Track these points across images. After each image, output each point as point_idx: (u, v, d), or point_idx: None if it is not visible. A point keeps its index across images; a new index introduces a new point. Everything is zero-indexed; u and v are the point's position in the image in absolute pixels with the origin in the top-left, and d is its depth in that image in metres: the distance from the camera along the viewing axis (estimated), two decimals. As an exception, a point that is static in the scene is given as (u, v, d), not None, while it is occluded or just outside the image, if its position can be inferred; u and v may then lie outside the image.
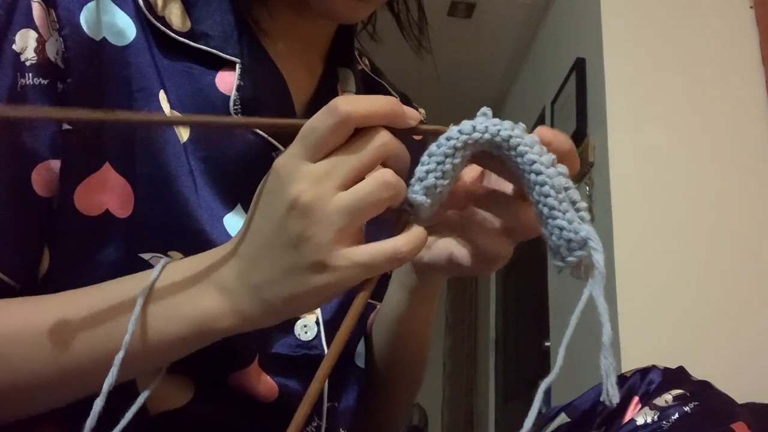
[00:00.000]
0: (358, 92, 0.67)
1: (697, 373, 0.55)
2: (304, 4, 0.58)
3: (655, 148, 1.92)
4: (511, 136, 0.40)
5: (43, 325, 0.43)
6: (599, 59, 2.04)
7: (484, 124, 0.40)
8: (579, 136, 2.15)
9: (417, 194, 0.41)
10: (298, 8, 0.60)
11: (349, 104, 0.39)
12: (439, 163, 0.41)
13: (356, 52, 0.70)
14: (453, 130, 0.41)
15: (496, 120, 0.41)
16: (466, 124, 0.41)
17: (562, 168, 0.39)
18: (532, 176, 0.39)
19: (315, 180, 0.39)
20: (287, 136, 0.57)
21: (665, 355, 1.61)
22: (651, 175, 1.90)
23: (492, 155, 0.42)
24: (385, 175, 0.39)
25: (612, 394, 0.33)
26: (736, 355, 1.69)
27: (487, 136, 0.40)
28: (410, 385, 0.69)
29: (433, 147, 0.41)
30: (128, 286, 0.44)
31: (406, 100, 0.75)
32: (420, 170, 0.41)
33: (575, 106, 2.18)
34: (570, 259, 0.38)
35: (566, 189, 0.39)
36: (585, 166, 2.08)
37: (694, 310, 1.75)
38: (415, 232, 0.41)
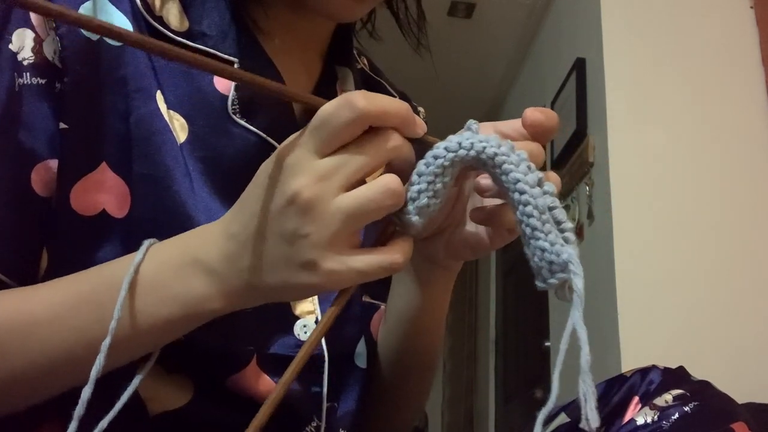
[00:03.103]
0: (358, 92, 0.67)
1: (697, 373, 0.55)
2: (300, 3, 0.58)
3: (655, 148, 1.92)
4: (496, 154, 0.39)
5: (32, 315, 0.43)
6: (599, 59, 2.04)
7: (470, 140, 0.40)
8: (579, 136, 2.15)
9: (410, 215, 0.41)
10: (295, 7, 0.60)
11: (367, 101, 0.38)
12: (429, 183, 0.41)
13: (355, 51, 0.70)
14: (440, 148, 0.41)
15: (483, 136, 0.40)
16: (452, 141, 0.40)
17: (549, 186, 0.39)
18: (516, 195, 0.39)
19: (319, 177, 0.38)
20: (286, 137, 0.57)
21: (665, 355, 1.61)
22: (651, 175, 1.90)
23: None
24: (390, 183, 0.38)
25: (592, 419, 0.32)
26: (736, 355, 1.69)
27: (472, 153, 0.40)
28: (421, 384, 0.68)
29: (421, 166, 0.41)
30: (115, 270, 0.44)
31: (405, 99, 0.75)
32: (412, 191, 0.41)
33: (575, 106, 2.19)
34: (551, 281, 0.37)
35: (551, 209, 0.38)
36: (585, 166, 2.08)
37: (694, 310, 1.75)
38: (407, 243, 0.41)
